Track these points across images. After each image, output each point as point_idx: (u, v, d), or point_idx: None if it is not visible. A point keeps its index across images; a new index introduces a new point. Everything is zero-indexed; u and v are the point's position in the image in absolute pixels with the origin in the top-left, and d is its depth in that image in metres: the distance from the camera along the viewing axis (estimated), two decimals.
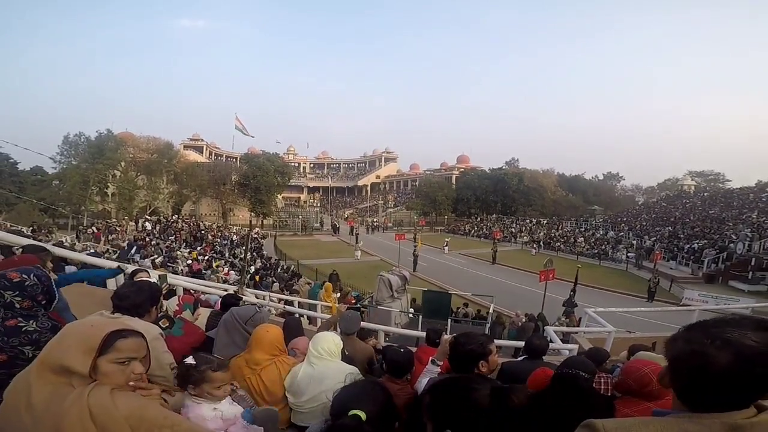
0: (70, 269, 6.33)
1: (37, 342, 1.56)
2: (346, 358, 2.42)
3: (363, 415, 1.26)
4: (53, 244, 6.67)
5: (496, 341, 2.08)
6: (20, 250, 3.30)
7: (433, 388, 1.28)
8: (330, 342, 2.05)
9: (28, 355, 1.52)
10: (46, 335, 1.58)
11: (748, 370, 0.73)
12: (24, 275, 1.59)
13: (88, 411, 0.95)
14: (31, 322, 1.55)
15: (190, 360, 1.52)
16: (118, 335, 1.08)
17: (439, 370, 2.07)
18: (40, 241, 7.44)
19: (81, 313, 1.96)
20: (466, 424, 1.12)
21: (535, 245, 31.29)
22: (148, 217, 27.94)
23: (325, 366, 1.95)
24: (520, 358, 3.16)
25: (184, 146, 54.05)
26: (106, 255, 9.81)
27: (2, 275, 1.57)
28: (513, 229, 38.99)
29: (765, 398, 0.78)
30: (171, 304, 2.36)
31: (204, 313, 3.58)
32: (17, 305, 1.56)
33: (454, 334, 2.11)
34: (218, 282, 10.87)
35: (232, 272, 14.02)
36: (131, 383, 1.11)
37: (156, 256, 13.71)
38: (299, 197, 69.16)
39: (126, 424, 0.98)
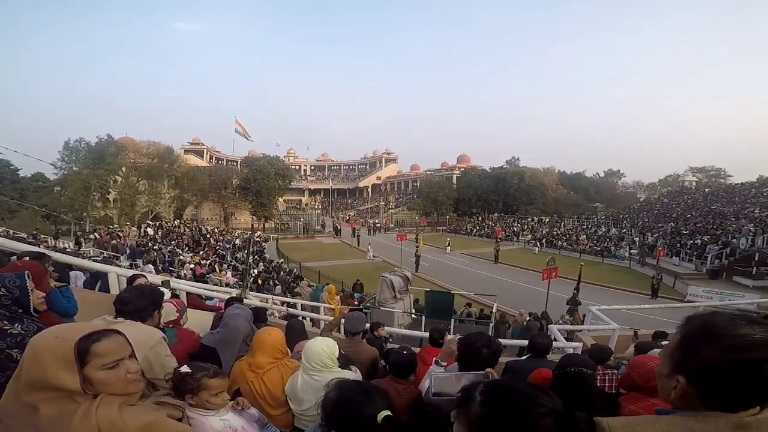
0: (74, 275, 6.37)
1: (23, 345, 1.54)
2: (348, 359, 2.41)
3: (390, 413, 1.24)
4: (56, 251, 6.70)
5: (500, 341, 2.07)
6: (15, 257, 3.33)
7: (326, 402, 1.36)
8: (322, 354, 1.94)
9: (16, 358, 1.50)
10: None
11: (756, 370, 0.73)
12: None
13: (97, 430, 0.92)
14: (16, 324, 1.55)
15: (185, 368, 1.47)
16: (90, 340, 1.00)
17: (443, 370, 2.06)
18: (46, 247, 7.48)
19: (84, 318, 1.97)
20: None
21: (537, 243, 31.20)
22: (150, 223, 28.02)
23: (322, 376, 1.91)
24: (524, 357, 3.15)
25: (185, 150, 54.11)
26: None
27: None
28: (515, 228, 38.85)
29: None
30: (168, 312, 2.35)
31: (193, 316, 3.58)
32: None
33: (458, 335, 2.10)
34: (218, 285, 10.88)
35: (229, 274, 14.06)
36: (135, 382, 1.08)
37: (157, 261, 13.76)
38: (300, 200, 69.22)
39: None
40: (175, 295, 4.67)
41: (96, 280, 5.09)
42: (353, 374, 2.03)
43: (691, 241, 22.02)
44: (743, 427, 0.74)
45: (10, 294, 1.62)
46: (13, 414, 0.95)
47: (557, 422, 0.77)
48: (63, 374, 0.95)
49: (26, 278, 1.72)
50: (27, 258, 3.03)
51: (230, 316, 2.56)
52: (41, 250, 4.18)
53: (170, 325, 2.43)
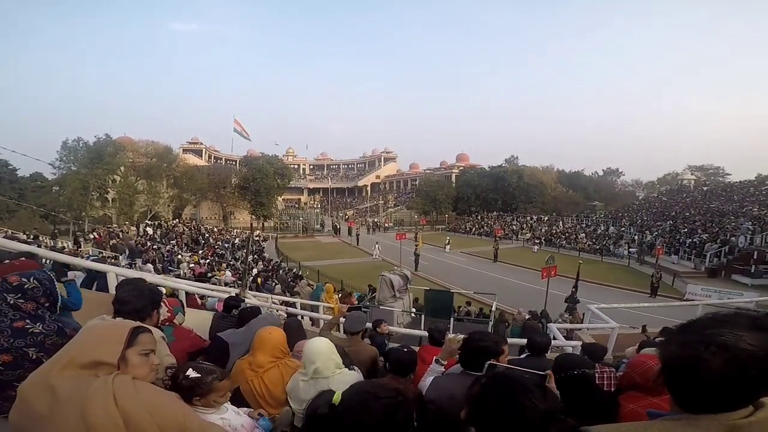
0: (72, 275, 6.33)
1: (41, 344, 1.56)
2: (347, 359, 2.40)
3: (337, 398, 1.21)
4: (53, 249, 6.66)
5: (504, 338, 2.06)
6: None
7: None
8: (327, 361, 1.90)
9: (32, 357, 1.52)
10: (52, 338, 1.60)
11: (744, 374, 0.72)
12: (23, 279, 1.62)
13: (113, 396, 1.01)
14: (38, 324, 1.57)
15: (192, 373, 1.47)
16: (140, 330, 1.23)
17: (443, 369, 2.06)
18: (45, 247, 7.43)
19: (83, 317, 1.96)
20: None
21: (536, 242, 31.26)
22: (149, 222, 27.96)
23: (325, 376, 1.88)
24: (523, 356, 3.15)
25: (183, 150, 53.92)
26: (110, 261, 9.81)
27: (3, 279, 1.60)
28: (514, 227, 38.90)
29: (763, 396, 0.77)
30: (160, 312, 2.37)
31: (192, 315, 3.57)
32: (23, 308, 1.57)
33: (459, 334, 2.10)
34: (218, 285, 10.85)
35: (228, 273, 14.02)
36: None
37: (156, 260, 13.73)
38: (299, 199, 69.16)
39: (146, 410, 1.05)
40: (173, 295, 4.67)
41: (92, 280, 5.06)
42: (355, 374, 2.02)
43: (690, 240, 22.08)
44: (735, 430, 0.73)
45: (42, 286, 1.64)
46: (28, 389, 1.05)
47: (543, 419, 0.77)
48: (109, 348, 1.12)
49: (50, 273, 1.79)
50: (23, 258, 3.01)
51: (257, 321, 2.59)
52: (31, 249, 4.16)
53: (166, 323, 2.44)
